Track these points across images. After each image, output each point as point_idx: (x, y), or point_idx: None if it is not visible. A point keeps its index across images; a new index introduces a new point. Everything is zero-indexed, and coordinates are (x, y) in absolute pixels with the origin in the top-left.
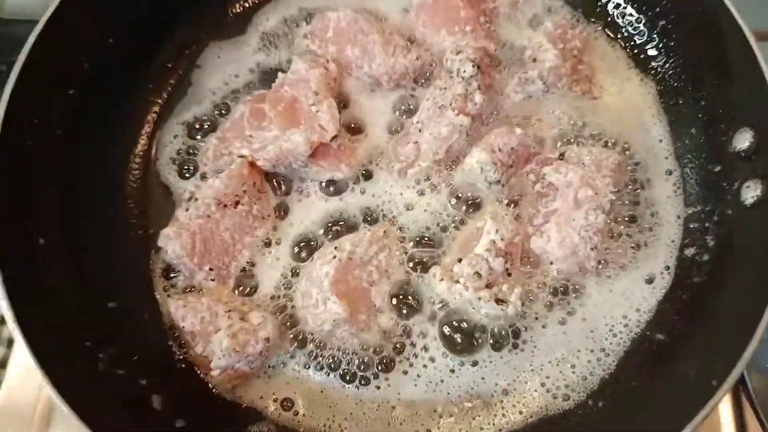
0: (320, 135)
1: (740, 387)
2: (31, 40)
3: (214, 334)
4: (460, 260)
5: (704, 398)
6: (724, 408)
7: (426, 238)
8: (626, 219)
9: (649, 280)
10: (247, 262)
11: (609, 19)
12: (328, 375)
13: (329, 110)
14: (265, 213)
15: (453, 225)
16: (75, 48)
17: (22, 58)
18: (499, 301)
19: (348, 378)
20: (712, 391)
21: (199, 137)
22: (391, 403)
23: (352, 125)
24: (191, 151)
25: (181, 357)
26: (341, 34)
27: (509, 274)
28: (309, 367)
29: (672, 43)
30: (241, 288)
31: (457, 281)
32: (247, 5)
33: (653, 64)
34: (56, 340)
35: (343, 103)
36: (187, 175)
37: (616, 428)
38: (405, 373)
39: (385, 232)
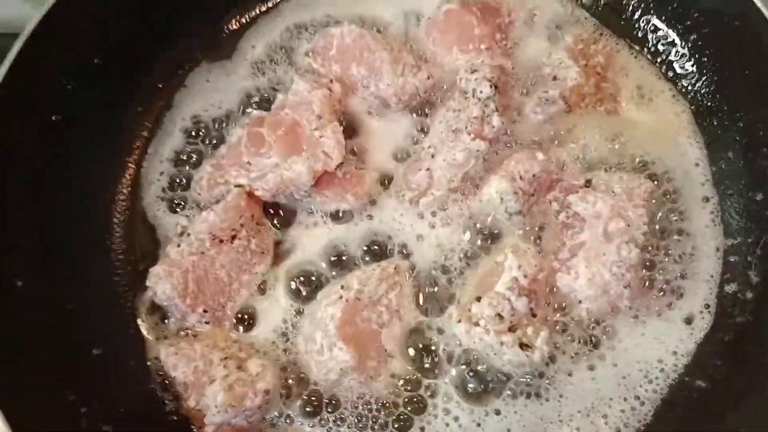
0: (324, 163)
1: None
2: (10, 57)
3: (208, 386)
4: (479, 299)
5: None
6: None
7: (441, 275)
8: (660, 252)
9: (687, 321)
10: (245, 303)
11: (635, 33)
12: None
13: (334, 135)
14: (264, 248)
15: (470, 259)
16: (57, 67)
17: None
18: (523, 346)
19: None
20: None
21: (190, 165)
22: None
23: (359, 151)
24: (183, 181)
25: (173, 409)
26: (346, 51)
27: (534, 315)
28: (313, 424)
29: (705, 59)
30: (238, 332)
31: (477, 324)
32: (244, 21)
33: (684, 82)
34: (33, 395)
35: (348, 127)
36: (179, 208)
37: None
38: (422, 430)
39: (395, 268)
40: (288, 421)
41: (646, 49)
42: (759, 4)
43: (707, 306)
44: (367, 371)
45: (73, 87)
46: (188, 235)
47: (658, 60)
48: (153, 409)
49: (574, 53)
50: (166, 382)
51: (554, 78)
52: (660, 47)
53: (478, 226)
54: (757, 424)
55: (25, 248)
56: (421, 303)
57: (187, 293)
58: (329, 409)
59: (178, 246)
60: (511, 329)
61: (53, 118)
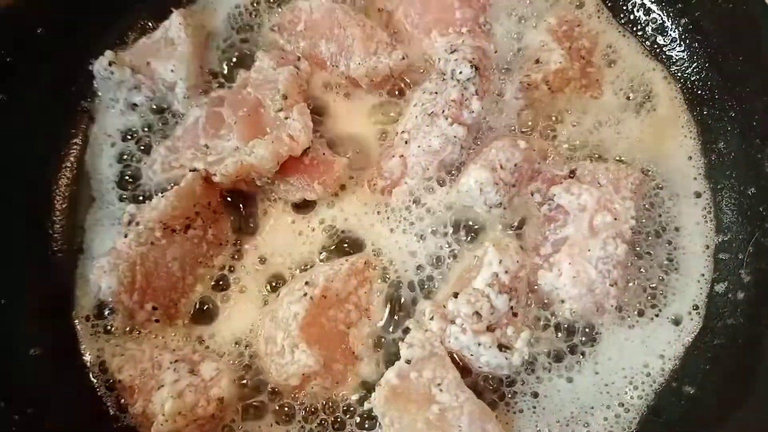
0: (290, 147)
1: None
2: None
3: (156, 391)
4: (456, 295)
5: None
6: None
7: (414, 270)
8: (648, 248)
9: (675, 322)
10: (201, 298)
11: (623, 14)
12: None
13: (301, 117)
14: (222, 238)
15: (447, 254)
16: None
17: None
18: (502, 347)
19: None
20: None
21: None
22: None
23: (326, 136)
24: (133, 163)
25: (120, 416)
26: (315, 27)
27: (515, 314)
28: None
29: (696, 45)
30: (192, 331)
31: (453, 321)
32: None
33: (674, 68)
34: None
35: (315, 108)
36: (127, 194)
37: None
38: None
39: (365, 263)
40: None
41: (635, 33)
42: None
43: (696, 307)
44: (333, 375)
45: (13, 60)
46: (137, 224)
47: (648, 43)
48: (95, 416)
49: (558, 35)
50: (111, 385)
51: (537, 61)
52: (649, 30)
53: (455, 218)
54: None
55: None
56: (392, 300)
57: (135, 288)
58: (290, 418)
59: (125, 236)
60: (490, 329)
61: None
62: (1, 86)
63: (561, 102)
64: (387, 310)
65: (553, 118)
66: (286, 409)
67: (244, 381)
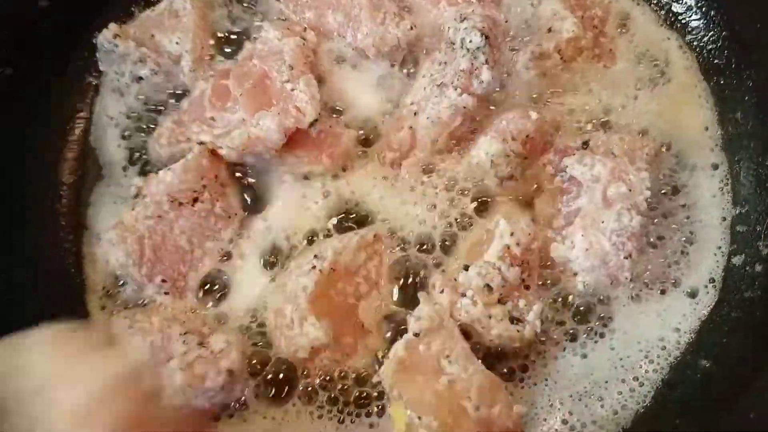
0: (296, 119)
1: None
2: None
3: (165, 364)
4: (466, 268)
5: None
6: None
7: (425, 243)
8: (664, 220)
9: (691, 295)
10: (210, 272)
11: None
12: (310, 413)
13: (307, 89)
14: (230, 211)
15: (458, 227)
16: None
17: None
18: (514, 319)
19: (331, 417)
20: None
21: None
22: None
23: (334, 107)
24: (140, 137)
25: None
26: None
27: (527, 287)
28: (285, 403)
29: (712, 12)
30: (202, 304)
31: (464, 294)
32: None
33: (689, 37)
34: None
35: (322, 80)
36: (135, 167)
37: None
38: None
39: (375, 236)
40: (253, 403)
41: (649, 2)
42: None
43: (712, 280)
44: (342, 348)
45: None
46: (144, 197)
47: (662, 13)
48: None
49: (570, 4)
50: None
51: (549, 30)
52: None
53: (466, 191)
54: (766, 409)
55: None
56: (403, 273)
57: (143, 261)
58: (300, 391)
59: (133, 209)
60: (501, 301)
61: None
62: (8, 60)
63: (574, 72)
64: (397, 283)
65: (566, 88)
66: (295, 381)
67: (254, 354)
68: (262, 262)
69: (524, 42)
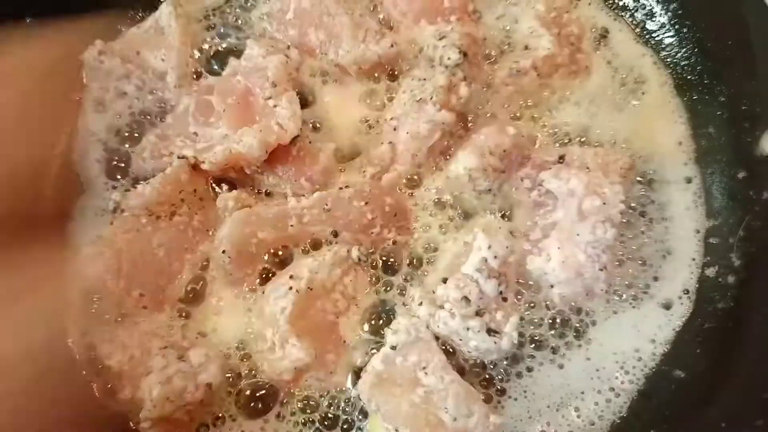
0: (278, 136)
1: None
2: None
3: (144, 377)
4: (445, 281)
5: None
6: None
7: (403, 256)
8: (638, 233)
9: (666, 306)
10: (189, 285)
11: (612, 0)
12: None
13: (289, 105)
14: (210, 225)
15: (436, 240)
16: None
17: None
18: (491, 331)
19: None
20: None
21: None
22: None
23: (315, 124)
24: (124, 150)
25: (108, 402)
26: (304, 15)
27: (504, 299)
28: (266, 422)
29: (684, 30)
30: (180, 317)
31: (441, 306)
32: None
33: (663, 54)
34: None
35: (304, 96)
36: (116, 183)
37: None
38: None
39: (348, 251)
40: (235, 421)
41: (624, 19)
42: None
43: (686, 291)
44: (326, 366)
45: None
46: (122, 211)
47: (637, 30)
48: (85, 401)
49: (547, 21)
50: (99, 371)
51: (525, 47)
52: (639, 16)
53: (444, 204)
54: (737, 417)
55: None
56: (380, 286)
57: (121, 275)
58: (279, 407)
59: (111, 224)
60: (479, 313)
61: None
62: None
63: (550, 88)
64: (375, 297)
65: (543, 104)
66: (274, 396)
67: (233, 368)
68: (238, 276)
69: (502, 59)
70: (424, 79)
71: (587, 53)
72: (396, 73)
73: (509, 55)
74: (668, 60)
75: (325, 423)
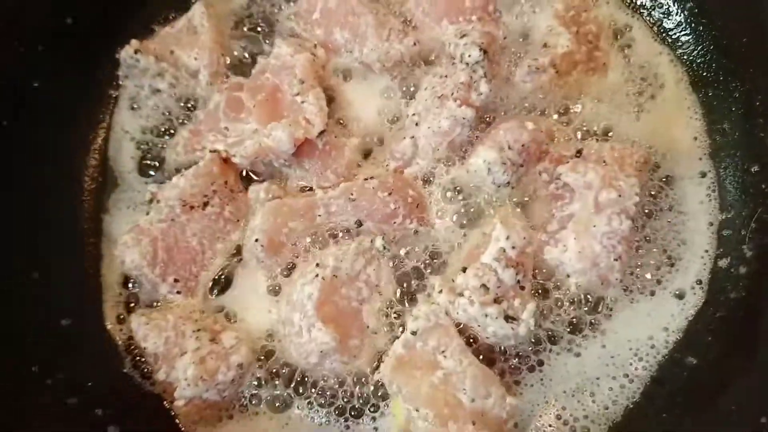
0: (306, 130)
1: None
2: None
3: (179, 358)
4: (464, 270)
5: None
6: None
7: (425, 247)
8: (653, 225)
9: (679, 296)
10: (220, 272)
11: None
12: (316, 413)
13: (316, 101)
14: (240, 215)
15: (457, 231)
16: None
17: None
18: (509, 318)
19: (337, 416)
20: (760, 430)
21: (166, 130)
22: None
23: (341, 118)
24: (157, 147)
25: (144, 383)
26: (329, 15)
27: (522, 288)
28: (291, 404)
29: (701, 27)
30: (213, 302)
31: (461, 294)
32: None
33: (679, 51)
34: None
35: (330, 93)
36: (148, 177)
37: None
38: None
39: (372, 241)
40: (263, 402)
41: (642, 17)
42: None
43: (699, 282)
44: (350, 350)
45: (45, 50)
46: (158, 201)
47: (655, 28)
48: (122, 382)
49: (565, 20)
50: (137, 355)
51: (545, 45)
52: (656, 15)
53: (465, 197)
54: (748, 403)
55: None
56: (402, 277)
57: (157, 262)
58: (308, 387)
59: (147, 214)
60: (497, 301)
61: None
62: (36, 74)
63: (568, 85)
64: (398, 286)
65: (561, 101)
66: (307, 381)
67: (261, 352)
68: (266, 265)
69: (521, 57)
70: (446, 76)
71: (605, 51)
72: (418, 70)
73: (529, 52)
74: (684, 57)
75: (349, 405)
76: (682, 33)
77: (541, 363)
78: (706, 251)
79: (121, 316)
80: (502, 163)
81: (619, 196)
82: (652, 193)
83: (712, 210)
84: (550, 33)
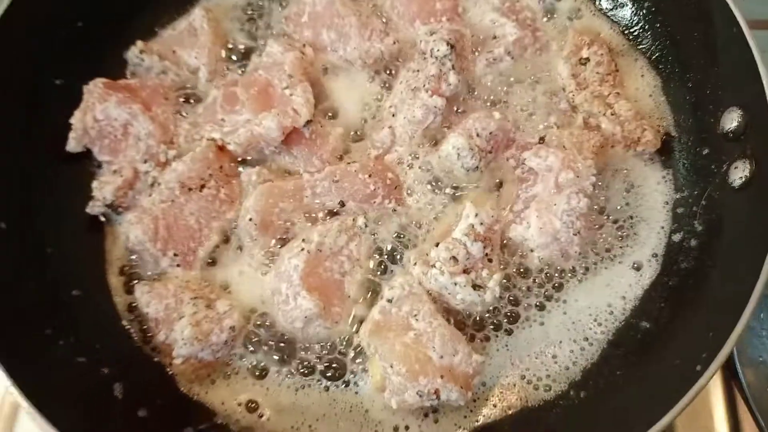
0: (293, 119)
1: (733, 382)
2: None
3: (177, 322)
4: (437, 245)
5: (687, 385)
6: (717, 403)
7: (402, 226)
8: (614, 206)
9: (637, 268)
10: (216, 247)
11: (593, 2)
12: (301, 375)
13: (303, 94)
14: (233, 196)
15: (431, 212)
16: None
17: None
18: (476, 286)
19: (320, 377)
20: (696, 377)
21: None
22: (366, 400)
23: (326, 110)
24: None
25: (144, 345)
26: (317, 18)
27: (489, 260)
28: (278, 367)
29: (658, 25)
30: (209, 275)
31: (433, 266)
32: None
33: (641, 47)
34: (17, 327)
35: (316, 87)
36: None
37: (597, 418)
38: None
39: (354, 219)
40: (251, 365)
41: (604, 19)
42: None
43: (655, 255)
44: (332, 317)
45: (63, 49)
46: (159, 184)
47: (616, 29)
48: (126, 345)
49: (504, 11)
50: (140, 321)
51: (494, 37)
52: (617, 18)
53: (440, 181)
54: (688, 356)
55: (10, 194)
56: (381, 253)
57: (158, 238)
58: (293, 353)
59: (150, 195)
60: (466, 271)
61: (56, 82)
62: (56, 72)
63: (523, 67)
64: (376, 260)
65: (523, 85)
66: (289, 346)
67: (252, 319)
68: (258, 242)
69: (478, 52)
70: (418, 71)
71: (544, 30)
72: (395, 66)
73: (484, 47)
74: (643, 50)
75: (332, 364)
76: (639, 29)
77: (507, 330)
78: (662, 227)
79: (125, 287)
80: (470, 149)
81: (577, 176)
82: (614, 175)
83: (667, 191)
84: (495, 26)
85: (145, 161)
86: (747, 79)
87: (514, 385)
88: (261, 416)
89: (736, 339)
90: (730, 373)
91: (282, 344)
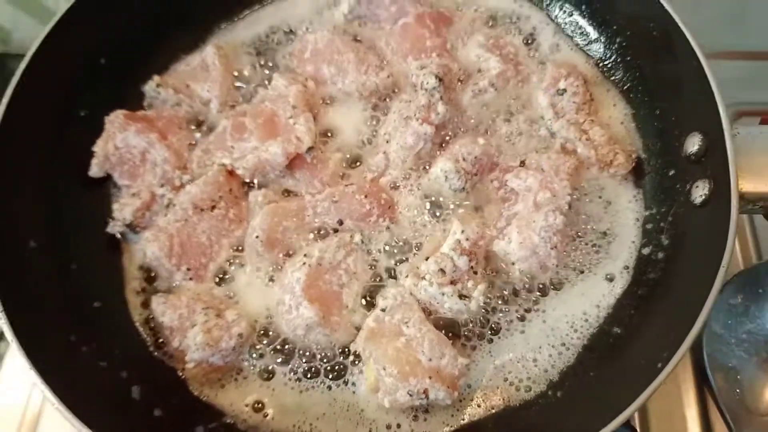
0: (296, 146)
1: (705, 386)
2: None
3: (190, 329)
4: (427, 259)
5: (650, 380)
6: (690, 406)
7: (395, 242)
8: (588, 223)
9: (609, 279)
10: (226, 262)
11: (570, 39)
12: (303, 378)
13: (306, 123)
14: (242, 216)
15: (422, 230)
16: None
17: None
18: (462, 296)
19: (324, 378)
20: (656, 373)
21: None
22: (362, 400)
23: (326, 137)
24: None
25: (159, 352)
26: (318, 54)
27: (474, 273)
28: (283, 369)
29: (628, 59)
30: (219, 287)
31: (423, 278)
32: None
33: (613, 79)
34: (45, 336)
35: (317, 116)
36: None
37: (572, 414)
38: None
39: (351, 236)
40: (257, 369)
41: (582, 54)
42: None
43: (626, 267)
44: (331, 325)
45: (86, 84)
46: (173, 205)
47: (591, 61)
48: (142, 351)
49: (488, 47)
50: (155, 331)
51: (479, 71)
52: (592, 52)
53: (430, 202)
54: (652, 357)
55: (39, 215)
56: (378, 266)
57: (173, 254)
58: (296, 357)
59: (165, 215)
60: (453, 282)
61: (81, 113)
62: (84, 104)
63: (506, 98)
64: (372, 273)
65: (505, 114)
66: (292, 351)
67: (258, 328)
68: (263, 258)
69: (464, 84)
70: (410, 101)
71: (525, 65)
72: (389, 98)
73: (470, 80)
74: (615, 81)
75: (332, 368)
76: (612, 62)
77: (490, 339)
78: (633, 242)
79: (141, 299)
80: (457, 172)
81: (554, 196)
82: (588, 194)
83: (638, 208)
84: (480, 60)
85: (162, 185)
86: (706, 108)
87: (497, 387)
88: (266, 416)
89: (693, 339)
90: (702, 378)
91: (285, 350)
